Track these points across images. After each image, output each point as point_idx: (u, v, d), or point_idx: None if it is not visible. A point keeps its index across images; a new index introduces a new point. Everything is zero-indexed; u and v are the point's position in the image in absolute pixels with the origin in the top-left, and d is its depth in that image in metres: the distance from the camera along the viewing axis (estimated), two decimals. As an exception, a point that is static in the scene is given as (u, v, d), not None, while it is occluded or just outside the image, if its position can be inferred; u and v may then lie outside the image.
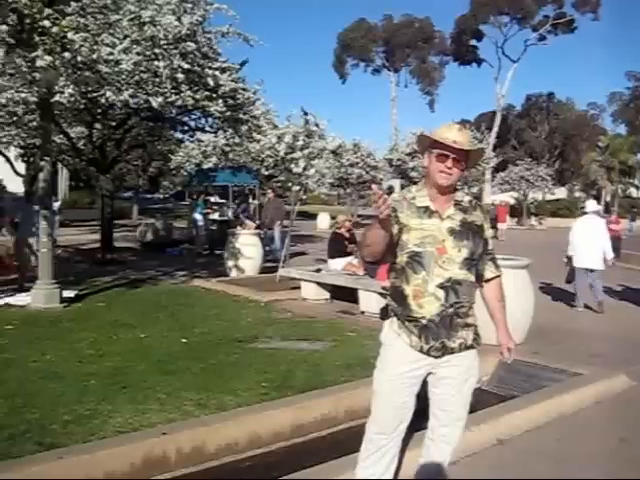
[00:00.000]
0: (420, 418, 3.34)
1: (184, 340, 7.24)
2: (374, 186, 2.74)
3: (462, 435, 3.31)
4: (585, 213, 11.07)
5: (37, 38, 7.79)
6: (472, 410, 4.95)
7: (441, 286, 2.95)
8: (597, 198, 42.28)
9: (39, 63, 7.68)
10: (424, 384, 3.17)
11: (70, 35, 7.71)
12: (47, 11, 7.57)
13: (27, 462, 3.82)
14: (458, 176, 3.01)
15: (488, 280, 3.21)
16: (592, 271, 10.32)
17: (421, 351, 3.01)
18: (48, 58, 7.58)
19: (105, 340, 7.14)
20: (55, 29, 7.58)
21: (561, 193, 56.25)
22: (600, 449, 4.59)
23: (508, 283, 7.98)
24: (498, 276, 3.24)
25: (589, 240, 10.33)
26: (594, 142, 54.73)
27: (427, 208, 3.03)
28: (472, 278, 3.06)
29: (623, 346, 7.79)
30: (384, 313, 3.19)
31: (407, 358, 3.05)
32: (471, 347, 3.10)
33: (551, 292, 12.13)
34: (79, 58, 8.17)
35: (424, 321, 2.98)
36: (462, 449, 4.20)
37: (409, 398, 3.12)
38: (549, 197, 51.20)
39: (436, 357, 3.03)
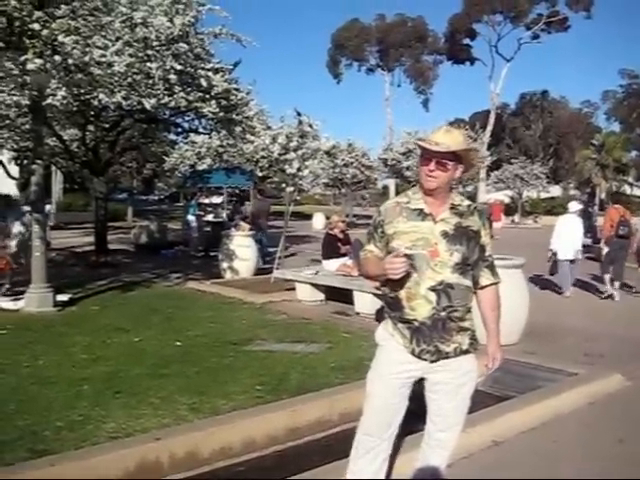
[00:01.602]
0: (415, 420, 3.33)
1: (178, 343, 7.20)
2: (398, 259, 2.84)
3: (458, 439, 3.29)
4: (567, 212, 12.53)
5: (27, 41, 7.74)
6: (467, 411, 4.97)
7: (433, 289, 2.93)
8: (592, 195, 42.41)
9: (29, 66, 7.63)
10: (421, 388, 3.14)
11: (60, 38, 7.66)
12: (37, 14, 7.53)
13: (19, 469, 3.79)
14: (445, 179, 2.98)
15: (483, 287, 3.17)
16: (572, 262, 11.70)
17: (413, 354, 3.00)
18: (38, 61, 7.54)
19: (99, 344, 7.10)
20: (45, 32, 7.54)
21: (556, 191, 56.29)
22: (598, 450, 4.58)
23: (503, 283, 7.97)
24: (495, 283, 3.20)
25: (569, 235, 11.72)
26: (588, 140, 54.78)
27: (421, 211, 3.02)
28: (467, 282, 3.03)
29: (617, 344, 7.79)
30: (379, 315, 3.20)
31: (399, 359, 3.04)
32: (467, 352, 3.07)
33: (545, 290, 12.16)
34: (70, 61, 8.12)
35: (416, 323, 2.97)
36: (457, 451, 4.18)
37: (399, 400, 3.10)
38: (544, 195, 51.25)
39: (430, 361, 3.00)
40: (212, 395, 5.33)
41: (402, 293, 2.98)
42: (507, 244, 20.25)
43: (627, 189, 53.15)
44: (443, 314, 2.95)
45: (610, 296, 11.39)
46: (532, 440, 4.73)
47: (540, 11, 65.11)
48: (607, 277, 11.58)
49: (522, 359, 6.61)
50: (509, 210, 42.98)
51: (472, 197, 62.78)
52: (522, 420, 4.95)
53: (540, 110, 71.60)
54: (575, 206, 12.48)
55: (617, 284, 11.42)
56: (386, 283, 3.06)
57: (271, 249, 15.55)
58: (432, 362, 3.00)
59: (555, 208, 44.52)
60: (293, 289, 10.59)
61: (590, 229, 15.48)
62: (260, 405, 5.08)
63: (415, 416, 3.25)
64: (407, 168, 35.88)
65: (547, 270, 12.44)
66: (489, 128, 61.00)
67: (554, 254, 11.86)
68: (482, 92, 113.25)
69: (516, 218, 43.18)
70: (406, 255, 2.91)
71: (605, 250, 11.84)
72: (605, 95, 76.07)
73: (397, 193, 40.29)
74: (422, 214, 3.01)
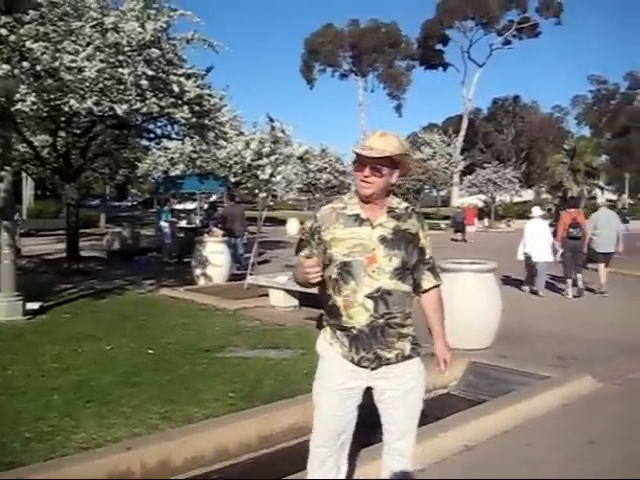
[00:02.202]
0: (372, 431, 3.28)
1: (151, 351, 7.13)
2: (309, 262, 2.81)
3: (414, 446, 3.17)
4: (532, 217, 13.14)
5: (-6, 47, 7.65)
6: (439, 416, 4.99)
7: (370, 296, 2.87)
8: (564, 199, 42.87)
9: (-4, 72, 7.55)
10: (372, 398, 3.09)
11: (28, 44, 7.57)
12: (4, 19, 7.43)
13: (-15, 482, 3.72)
14: (381, 184, 2.93)
15: (426, 290, 3.13)
16: (544, 263, 12.26)
17: (352, 362, 2.94)
18: (6, 67, 7.43)
19: (69, 353, 7.01)
20: (13, 38, 7.44)
21: (528, 195, 56.94)
22: (569, 453, 4.61)
23: (475, 287, 8.03)
24: (437, 286, 3.15)
25: (538, 238, 12.37)
26: (559, 144, 55.47)
27: (358, 216, 2.95)
28: (405, 288, 2.97)
29: (589, 346, 7.85)
30: (319, 322, 3.15)
31: (341, 369, 2.97)
32: (409, 357, 3.01)
33: (517, 293, 12.26)
34: (39, 67, 8.03)
35: (354, 331, 2.91)
36: (429, 456, 4.21)
37: (348, 410, 3.03)
38: (516, 199, 51.78)
39: (371, 369, 2.94)
40: (184, 403, 5.29)
41: (339, 301, 2.93)
42: (480, 248, 20.44)
43: (598, 193, 53.95)
44: (381, 321, 2.89)
45: (579, 293, 12.18)
46: (505, 444, 4.75)
47: (511, 17, 66.17)
48: (569, 281, 12.25)
49: (495, 363, 6.66)
50: (482, 214, 43.30)
51: (446, 201, 63.23)
52: (495, 424, 4.97)
53: (512, 115, 72.42)
54: (538, 211, 13.28)
55: (579, 276, 12.24)
56: (323, 291, 3.01)
57: (246, 254, 15.49)
58: (372, 369, 2.95)
59: (527, 212, 44.86)
60: (267, 295, 10.55)
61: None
62: (233, 412, 5.04)
63: (371, 427, 3.21)
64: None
65: (522, 275, 12.96)
66: (462, 133, 61.74)
67: (528, 257, 12.40)
68: (455, 97, 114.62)
69: (486, 222, 43.55)
70: (344, 263, 2.89)
71: (560, 252, 12.53)
72: (575, 100, 77.47)
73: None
74: (359, 219, 2.95)
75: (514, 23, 65.82)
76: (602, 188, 53.27)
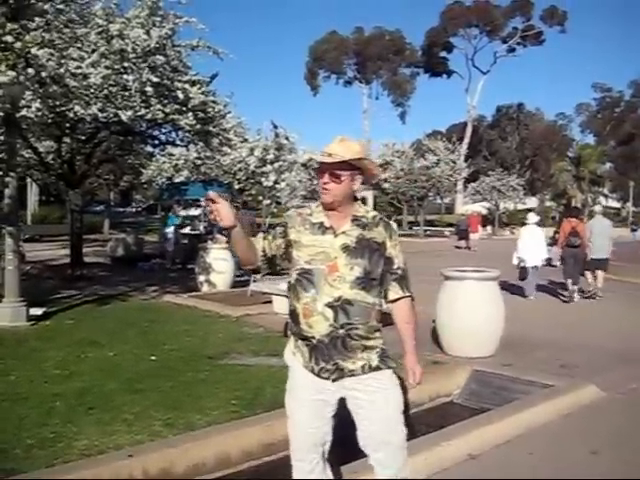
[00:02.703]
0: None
1: (154, 358, 7.13)
2: (210, 193, 2.70)
3: (401, 458, 3.02)
4: (527, 223, 13.70)
5: (0, 54, 7.67)
6: (442, 425, 4.98)
7: (330, 305, 2.81)
8: (568, 207, 42.88)
9: (2, 79, 7.54)
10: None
11: (34, 51, 7.61)
12: (10, 26, 7.46)
13: (-13, 489, 3.72)
14: (341, 190, 2.88)
15: (393, 301, 3.05)
16: (535, 267, 12.83)
17: (313, 373, 2.89)
18: (11, 74, 7.45)
19: (73, 359, 7.00)
20: (18, 44, 7.47)
21: (532, 203, 56.89)
22: (572, 462, 4.58)
23: (478, 295, 8.01)
24: (404, 297, 3.04)
25: (532, 244, 12.94)
26: (563, 152, 55.51)
27: (322, 224, 2.92)
28: (370, 299, 2.89)
29: (592, 355, 7.82)
30: (285, 330, 3.11)
31: (307, 380, 2.92)
32: (378, 368, 2.92)
33: (521, 300, 12.23)
34: (44, 74, 8.06)
35: (314, 341, 2.85)
36: (432, 465, 4.19)
37: (324, 422, 2.97)
38: (520, 207, 51.76)
39: (332, 380, 2.88)
40: (187, 410, 5.27)
41: (299, 308, 2.88)
42: (483, 256, 20.43)
43: (602, 201, 53.95)
44: (341, 332, 2.82)
45: (570, 298, 12.47)
46: (508, 453, 4.73)
47: (515, 25, 66.18)
48: (569, 281, 12.55)
49: (498, 371, 6.64)
50: (486, 221, 43.28)
51: (449, 208, 63.18)
52: (498, 433, 4.94)
53: (516, 122, 72.32)
54: (533, 217, 13.75)
55: (574, 287, 12.47)
56: (289, 297, 2.97)
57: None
58: (334, 381, 2.88)
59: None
60: (270, 302, 10.53)
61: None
62: (235, 420, 5.03)
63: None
64: (385, 180, 36.09)
65: (517, 277, 13.20)
66: (466, 140, 61.74)
67: (522, 261, 12.94)
68: (459, 104, 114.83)
69: (488, 229, 43.48)
70: (305, 270, 2.87)
71: (557, 259, 13.31)
72: (579, 108, 77.39)
73: (375, 205, 40.47)
74: (322, 227, 2.91)
75: (518, 31, 65.92)
76: (606, 196, 53.26)
